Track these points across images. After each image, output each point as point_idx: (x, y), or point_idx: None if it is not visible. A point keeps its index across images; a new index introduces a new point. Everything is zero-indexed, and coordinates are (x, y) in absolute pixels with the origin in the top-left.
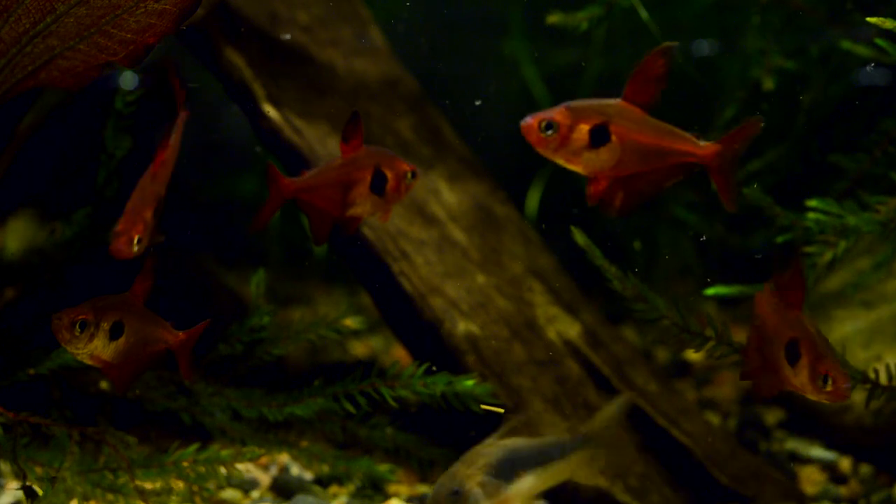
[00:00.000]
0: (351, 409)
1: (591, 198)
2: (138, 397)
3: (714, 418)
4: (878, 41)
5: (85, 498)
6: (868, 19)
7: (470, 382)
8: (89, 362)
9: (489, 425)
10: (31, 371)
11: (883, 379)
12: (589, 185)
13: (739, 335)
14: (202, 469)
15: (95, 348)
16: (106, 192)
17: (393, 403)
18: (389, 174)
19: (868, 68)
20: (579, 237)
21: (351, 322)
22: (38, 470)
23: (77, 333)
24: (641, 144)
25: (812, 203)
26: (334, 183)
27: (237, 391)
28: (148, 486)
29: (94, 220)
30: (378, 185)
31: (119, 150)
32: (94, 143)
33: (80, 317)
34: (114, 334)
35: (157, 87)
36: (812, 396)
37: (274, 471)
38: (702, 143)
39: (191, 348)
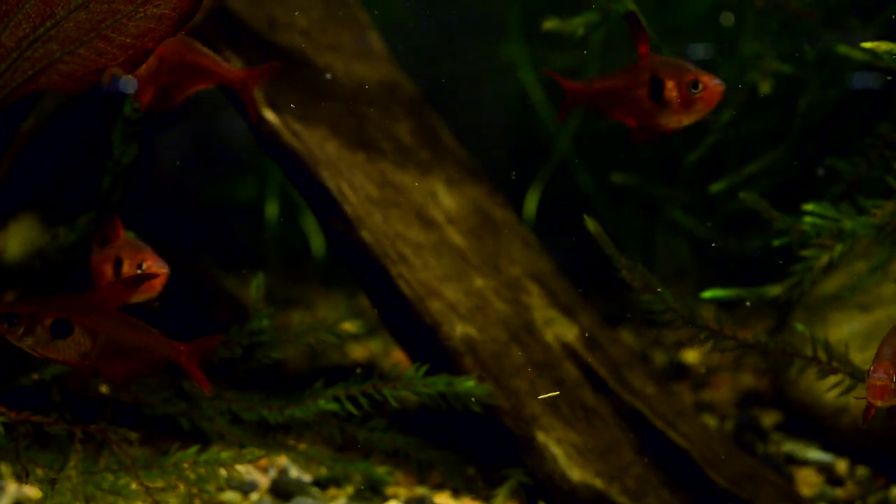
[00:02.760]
0: (353, 410)
1: (141, 104)
2: (137, 401)
3: (711, 421)
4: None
5: (86, 499)
6: (863, 45)
7: (470, 383)
8: (53, 359)
9: (488, 427)
10: (35, 376)
11: None
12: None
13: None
14: (202, 471)
15: (37, 343)
16: (111, 198)
17: (395, 404)
18: (669, 82)
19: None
20: (591, 224)
21: (349, 326)
22: (39, 472)
23: (6, 327)
24: (178, 61)
25: (808, 207)
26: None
27: (237, 394)
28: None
29: (98, 225)
30: (656, 93)
31: (126, 156)
32: (95, 147)
33: (6, 310)
34: (58, 332)
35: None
36: None
37: (273, 473)
38: (230, 66)
39: (197, 360)
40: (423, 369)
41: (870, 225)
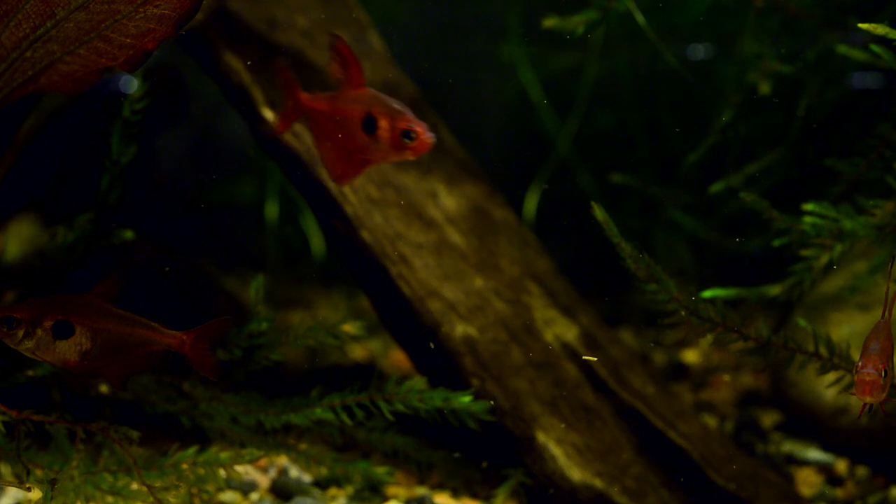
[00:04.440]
0: (348, 420)
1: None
2: (137, 400)
3: (711, 421)
4: (873, 47)
5: (86, 499)
6: (860, 25)
7: (467, 398)
8: (53, 362)
9: (488, 427)
10: (30, 373)
11: None
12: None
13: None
14: (202, 471)
15: (37, 346)
16: (109, 198)
17: (390, 417)
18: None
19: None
20: (598, 212)
21: (350, 327)
22: (39, 472)
23: (5, 330)
24: None
25: (808, 207)
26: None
27: (236, 397)
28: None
29: (97, 224)
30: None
31: (124, 156)
32: (95, 147)
33: (6, 314)
34: (59, 334)
35: (157, 91)
36: None
37: (273, 473)
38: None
39: (201, 348)
40: (421, 382)
41: (869, 225)
